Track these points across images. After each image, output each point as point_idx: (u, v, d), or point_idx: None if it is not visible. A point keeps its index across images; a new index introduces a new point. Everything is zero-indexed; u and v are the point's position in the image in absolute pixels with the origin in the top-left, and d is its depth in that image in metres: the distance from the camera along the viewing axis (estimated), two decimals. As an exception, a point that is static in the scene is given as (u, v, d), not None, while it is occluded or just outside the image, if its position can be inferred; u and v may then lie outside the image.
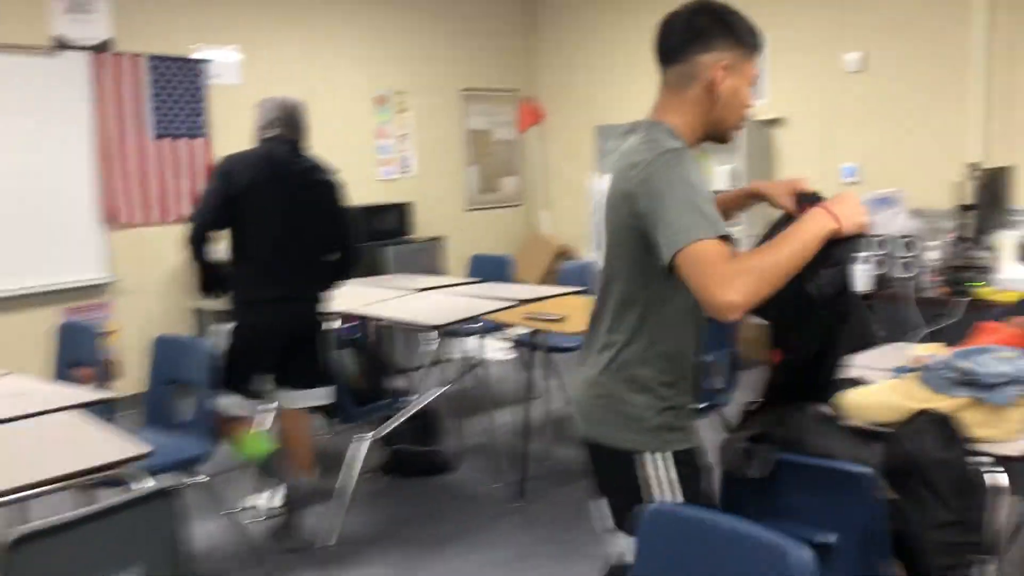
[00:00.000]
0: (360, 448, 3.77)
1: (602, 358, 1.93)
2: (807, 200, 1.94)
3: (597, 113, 7.46)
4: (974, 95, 5.44)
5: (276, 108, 3.68)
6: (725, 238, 1.69)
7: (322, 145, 6.46)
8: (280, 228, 3.59)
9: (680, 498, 1.89)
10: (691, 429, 1.96)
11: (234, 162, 3.60)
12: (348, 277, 3.84)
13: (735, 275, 1.63)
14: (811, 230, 1.74)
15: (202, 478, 3.55)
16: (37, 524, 1.71)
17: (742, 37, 1.84)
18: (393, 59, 6.95)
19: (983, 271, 4.19)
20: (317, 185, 3.68)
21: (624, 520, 1.91)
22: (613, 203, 1.86)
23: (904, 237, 4.32)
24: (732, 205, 2.15)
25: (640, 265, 1.82)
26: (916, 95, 5.71)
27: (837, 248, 1.82)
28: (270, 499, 3.82)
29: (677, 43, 1.85)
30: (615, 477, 1.96)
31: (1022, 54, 5.23)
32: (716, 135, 1.90)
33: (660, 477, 1.90)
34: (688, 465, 1.92)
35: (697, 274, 1.66)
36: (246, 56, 6.06)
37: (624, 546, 1.95)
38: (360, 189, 6.77)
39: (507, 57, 7.62)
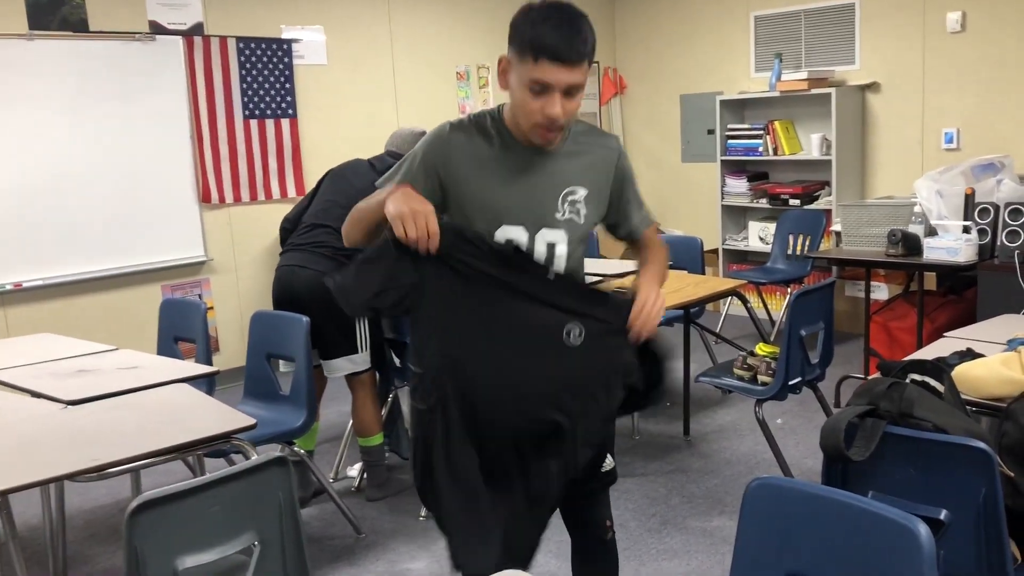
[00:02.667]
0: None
1: None
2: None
3: (679, 82, 7.33)
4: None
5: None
6: None
7: (409, 122, 6.55)
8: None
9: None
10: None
11: None
12: None
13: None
14: (376, 199, 1.95)
15: (299, 450, 3.66)
16: (158, 492, 1.77)
17: (515, 39, 1.86)
18: (473, 34, 6.94)
19: (1095, 239, 4.00)
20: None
21: None
22: None
23: (1009, 205, 4.15)
24: None
25: None
26: (1020, 55, 5.44)
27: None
28: (360, 470, 4.06)
29: None
30: None
31: None
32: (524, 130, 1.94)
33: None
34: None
35: None
36: (330, 37, 6.13)
37: None
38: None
39: (587, 29, 7.52)
